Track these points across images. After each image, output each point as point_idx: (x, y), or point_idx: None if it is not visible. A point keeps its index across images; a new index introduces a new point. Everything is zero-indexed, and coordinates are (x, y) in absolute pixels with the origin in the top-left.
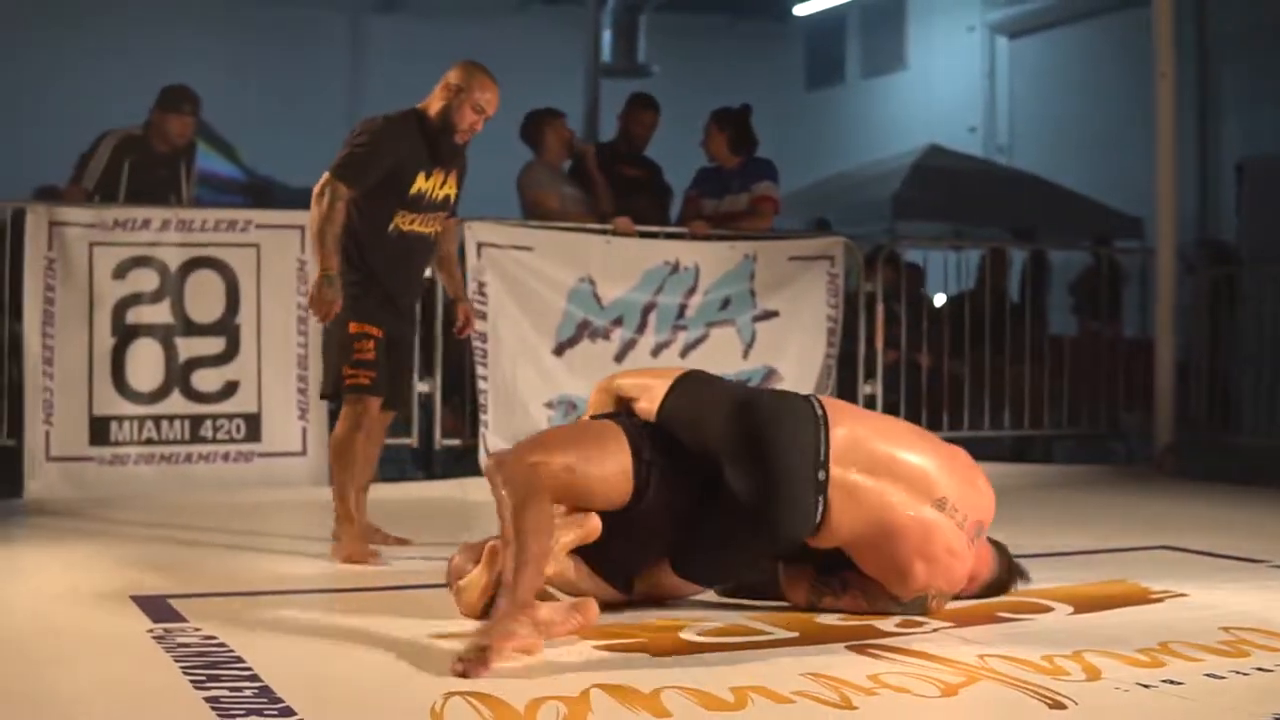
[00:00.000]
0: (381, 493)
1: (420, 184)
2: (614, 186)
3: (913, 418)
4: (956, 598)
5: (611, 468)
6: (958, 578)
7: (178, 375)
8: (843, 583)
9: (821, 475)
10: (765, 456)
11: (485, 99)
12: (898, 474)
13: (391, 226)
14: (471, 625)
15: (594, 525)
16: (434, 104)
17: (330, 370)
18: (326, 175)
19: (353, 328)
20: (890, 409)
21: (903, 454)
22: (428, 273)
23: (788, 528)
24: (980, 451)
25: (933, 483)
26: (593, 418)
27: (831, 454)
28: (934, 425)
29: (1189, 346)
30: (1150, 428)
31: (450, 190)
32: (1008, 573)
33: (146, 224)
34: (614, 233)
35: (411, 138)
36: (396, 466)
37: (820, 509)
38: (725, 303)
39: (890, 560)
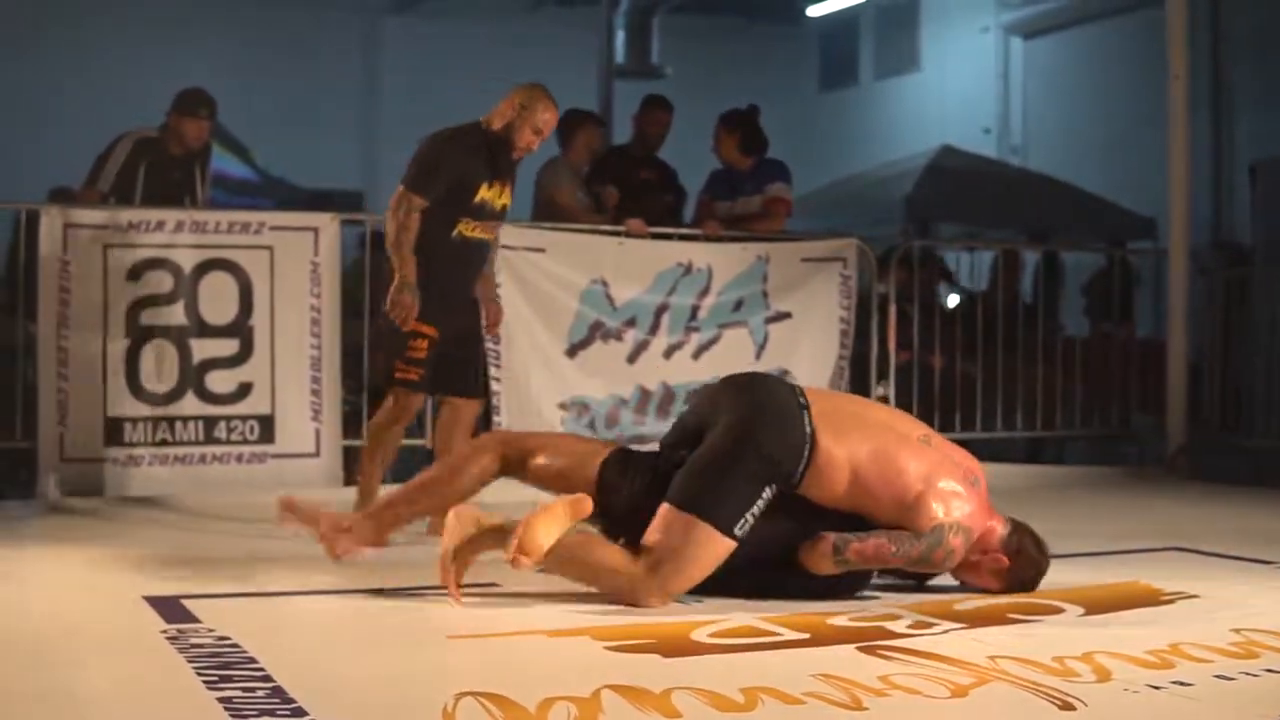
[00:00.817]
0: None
1: (483, 194)
2: (627, 189)
3: (925, 419)
4: (1002, 590)
5: (582, 447)
6: (972, 515)
7: (192, 377)
8: (865, 532)
9: (803, 400)
10: (749, 388)
11: (544, 120)
12: (876, 419)
13: (455, 233)
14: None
15: (585, 504)
16: (496, 120)
17: (381, 365)
18: (400, 188)
19: (409, 325)
20: (903, 410)
21: (875, 411)
22: None
23: (778, 437)
24: (993, 453)
25: (912, 424)
26: None
27: (809, 398)
28: (946, 427)
29: (1202, 348)
30: (1162, 429)
31: (507, 200)
32: (1037, 549)
33: (160, 226)
34: (627, 234)
35: (475, 151)
36: (410, 468)
37: (808, 426)
38: (738, 304)
39: (897, 489)
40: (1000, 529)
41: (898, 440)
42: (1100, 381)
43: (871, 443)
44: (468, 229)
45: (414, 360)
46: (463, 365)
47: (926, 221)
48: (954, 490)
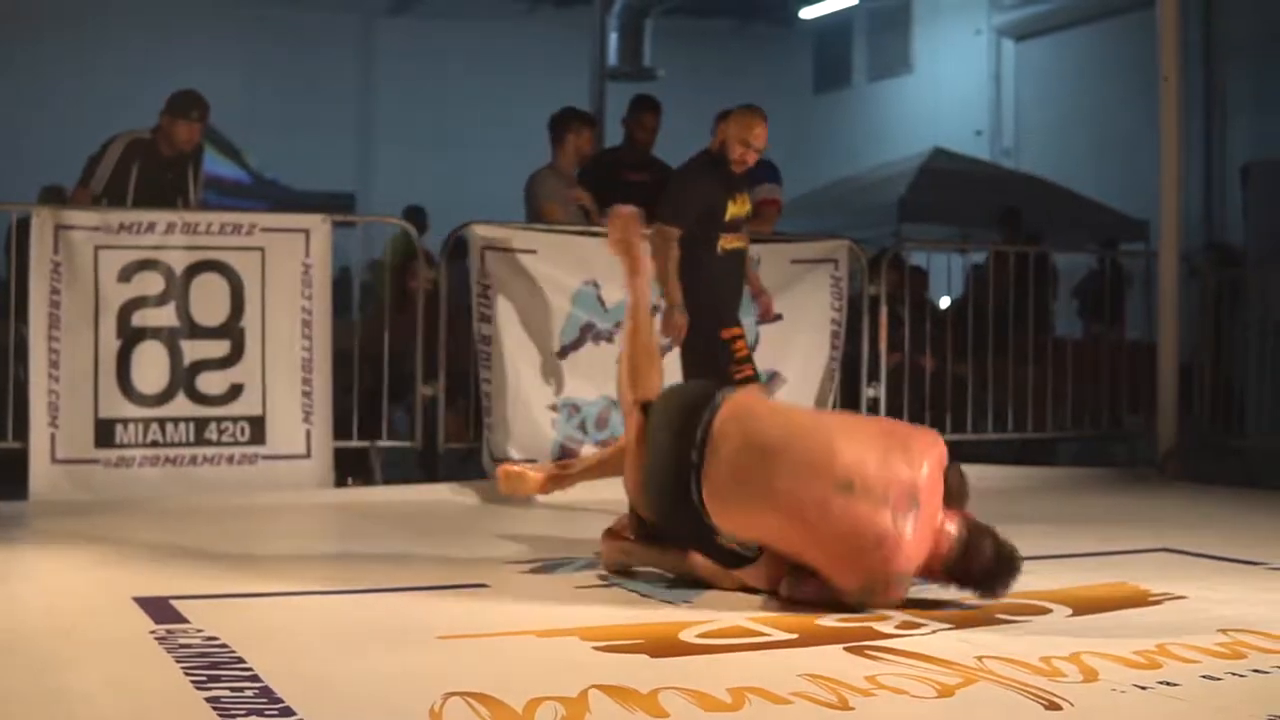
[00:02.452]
0: (384, 495)
1: (731, 209)
2: (618, 192)
3: (916, 420)
4: (942, 580)
5: None
6: (904, 557)
7: (183, 378)
8: (810, 573)
9: (695, 456)
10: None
11: (749, 134)
12: (792, 458)
13: (719, 249)
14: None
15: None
16: (716, 142)
17: (706, 376)
18: (657, 225)
19: (724, 333)
20: (893, 411)
21: (800, 440)
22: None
23: (658, 501)
24: (984, 454)
25: (834, 465)
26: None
27: (711, 438)
28: (937, 428)
29: (1193, 349)
30: (1153, 430)
31: (748, 207)
32: (994, 552)
33: (152, 227)
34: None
35: (710, 176)
36: (400, 469)
37: (695, 495)
38: None
39: (812, 558)
40: (952, 532)
41: (813, 495)
42: (1091, 383)
43: (773, 515)
44: (727, 242)
45: (744, 359)
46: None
47: (918, 223)
48: (876, 545)
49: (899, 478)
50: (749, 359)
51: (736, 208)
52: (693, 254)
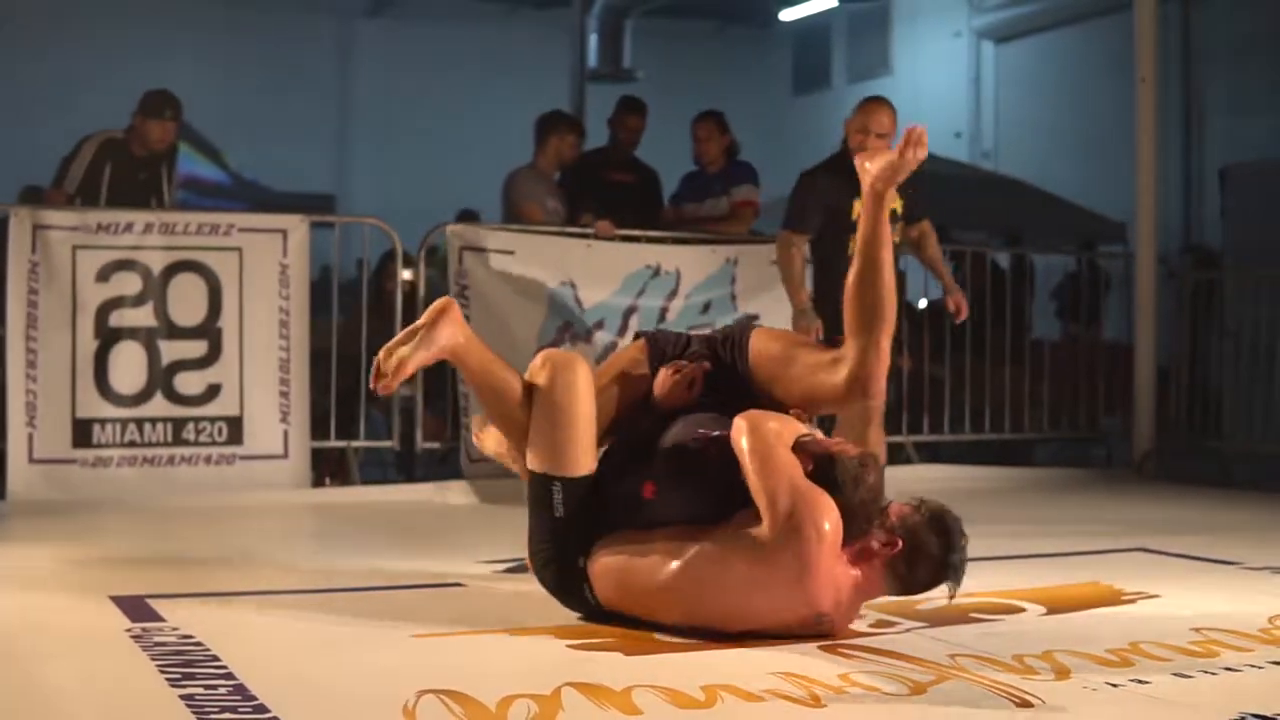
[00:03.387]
0: (361, 495)
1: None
2: (602, 193)
3: (893, 421)
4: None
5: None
6: (817, 590)
7: (160, 378)
8: None
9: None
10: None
11: (868, 120)
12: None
13: (850, 251)
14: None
15: None
16: (844, 142)
17: None
18: (781, 230)
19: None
20: None
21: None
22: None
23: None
24: (961, 454)
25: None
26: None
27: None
28: (915, 428)
29: (1171, 351)
30: (1130, 431)
31: (892, 204)
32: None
33: (129, 227)
34: (595, 237)
35: (831, 176)
36: (378, 469)
37: (590, 599)
38: (706, 306)
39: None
40: (876, 548)
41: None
42: (1069, 384)
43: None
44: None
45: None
46: None
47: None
48: (785, 603)
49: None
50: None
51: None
52: (821, 258)
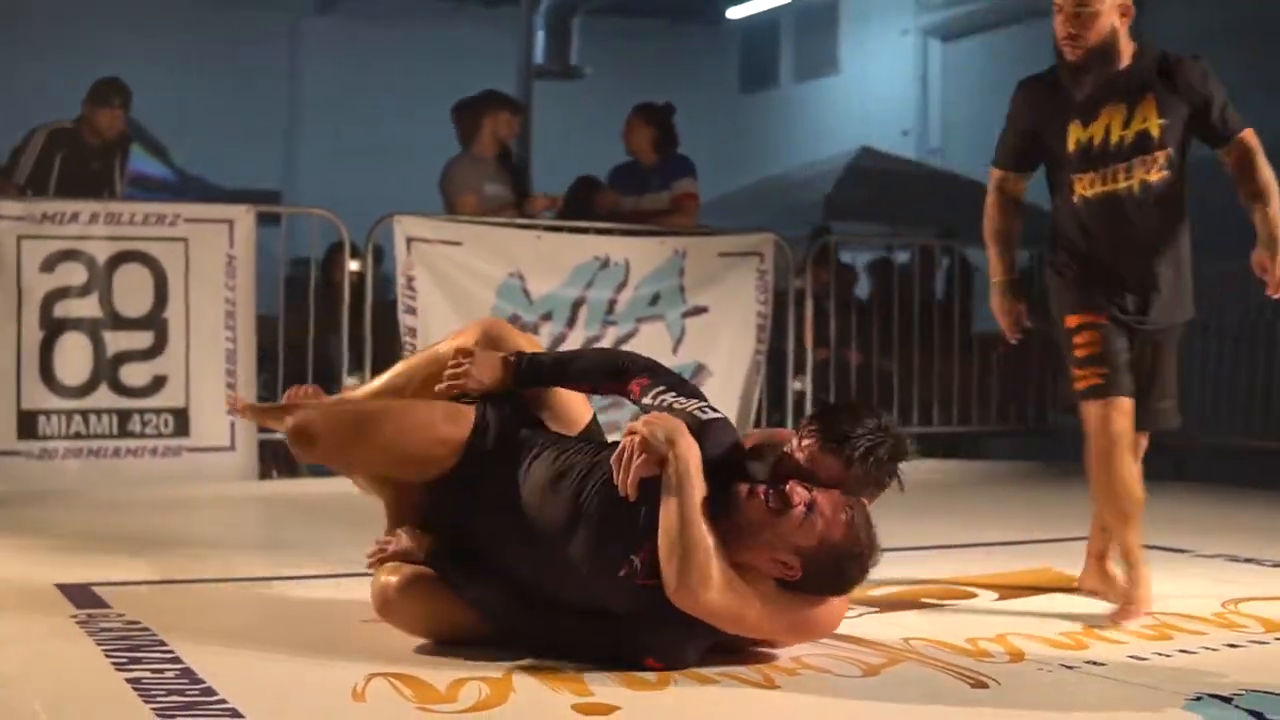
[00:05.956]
0: (310, 487)
1: (1075, 135)
2: None
3: None
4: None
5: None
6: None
7: (106, 369)
8: None
9: None
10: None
11: None
12: None
13: (1075, 197)
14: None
15: None
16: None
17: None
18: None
19: (1069, 321)
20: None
21: None
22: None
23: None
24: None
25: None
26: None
27: None
28: None
29: None
30: (1079, 425)
31: (1145, 124)
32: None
33: (75, 217)
34: (545, 228)
35: (1040, 92)
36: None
37: None
38: (655, 298)
39: None
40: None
41: None
42: (1017, 378)
43: None
44: (1083, 186)
45: (1089, 359)
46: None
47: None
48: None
49: None
50: (1098, 359)
51: (1097, 131)
52: (1055, 204)
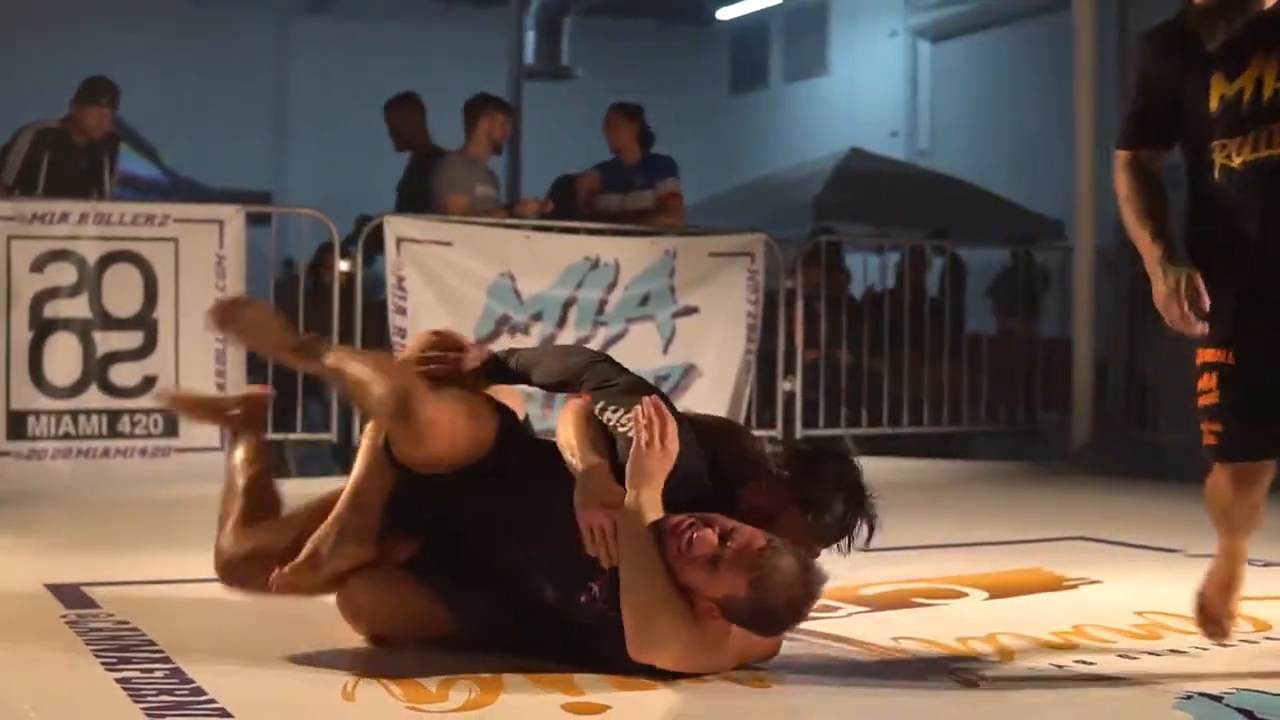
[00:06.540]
0: (299, 489)
1: (1221, 90)
2: None
3: (832, 414)
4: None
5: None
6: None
7: (96, 369)
8: None
9: None
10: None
11: None
12: None
13: (1217, 170)
14: None
15: None
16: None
17: None
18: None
19: (1200, 354)
20: (809, 406)
21: None
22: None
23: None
24: (900, 448)
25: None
26: None
27: None
28: (854, 421)
29: (1109, 346)
30: (1068, 425)
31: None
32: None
33: (65, 217)
34: (534, 228)
35: (1175, 43)
36: (315, 463)
37: None
38: (645, 299)
39: None
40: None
41: None
42: (1006, 378)
43: None
44: (1227, 154)
45: (1204, 410)
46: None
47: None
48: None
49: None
50: (1215, 412)
51: (1245, 84)
52: (1191, 184)
